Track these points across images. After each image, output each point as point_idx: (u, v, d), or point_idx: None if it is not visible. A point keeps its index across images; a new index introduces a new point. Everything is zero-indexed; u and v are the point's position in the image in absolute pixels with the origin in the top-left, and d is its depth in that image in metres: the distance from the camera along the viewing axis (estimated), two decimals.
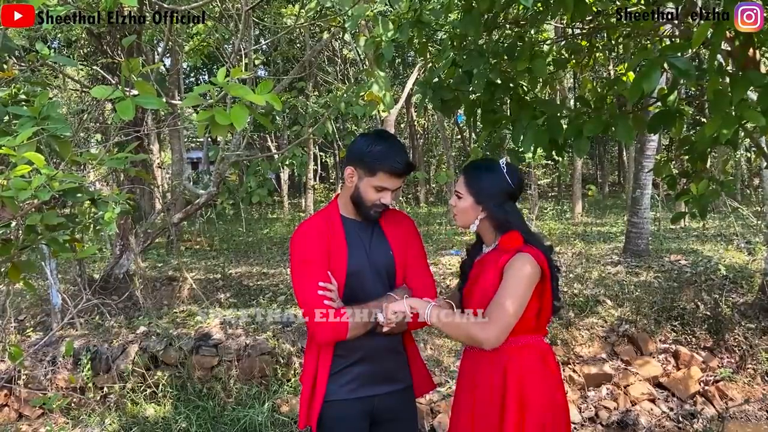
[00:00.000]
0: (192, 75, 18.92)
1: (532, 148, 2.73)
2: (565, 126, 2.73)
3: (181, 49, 9.49)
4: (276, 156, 9.65)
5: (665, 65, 2.15)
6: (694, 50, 2.63)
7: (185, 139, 15.70)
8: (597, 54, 3.20)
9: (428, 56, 3.51)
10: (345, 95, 7.88)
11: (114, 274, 6.25)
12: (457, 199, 2.09)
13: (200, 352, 5.23)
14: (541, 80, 2.92)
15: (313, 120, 9.47)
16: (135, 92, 1.97)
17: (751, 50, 2.38)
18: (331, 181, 22.52)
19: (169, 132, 11.00)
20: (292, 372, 5.23)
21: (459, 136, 21.46)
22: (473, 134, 20.13)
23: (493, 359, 2.00)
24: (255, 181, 9.09)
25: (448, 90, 3.01)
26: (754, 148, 8.40)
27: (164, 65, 12.03)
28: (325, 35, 6.88)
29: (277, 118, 10.53)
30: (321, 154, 16.37)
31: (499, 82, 2.85)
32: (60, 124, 1.98)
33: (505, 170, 2.04)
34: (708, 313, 5.91)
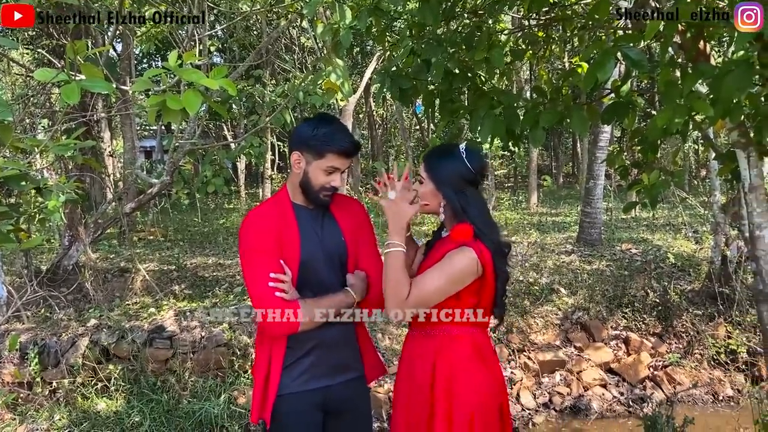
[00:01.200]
0: (145, 61, 18.42)
1: (489, 138, 2.74)
2: (521, 116, 2.75)
3: (133, 34, 9.22)
4: (233, 145, 9.49)
5: (618, 55, 2.18)
6: (646, 43, 2.68)
7: (138, 127, 15.28)
8: (553, 46, 3.22)
9: (386, 45, 3.49)
10: (303, 84, 7.79)
11: (63, 265, 6.05)
12: (420, 184, 2.06)
13: (154, 344, 5.12)
14: (498, 70, 2.93)
15: (270, 109, 9.34)
16: (81, 76, 1.90)
17: (701, 43, 2.44)
18: (288, 171, 22.26)
19: (120, 119, 10.69)
20: (249, 363, 5.17)
21: (417, 127, 21.52)
22: (431, 125, 20.20)
23: (425, 348, 2.01)
24: (211, 170, 8.93)
25: (406, 79, 2.99)
26: (701, 141, 8.67)
27: (115, 51, 11.67)
28: (283, 22, 6.78)
29: (234, 106, 10.35)
30: (279, 143, 16.17)
31: (457, 71, 2.85)
32: (0, 108, 1.89)
33: (464, 154, 2.00)
34: (657, 301, 6.09)
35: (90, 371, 4.89)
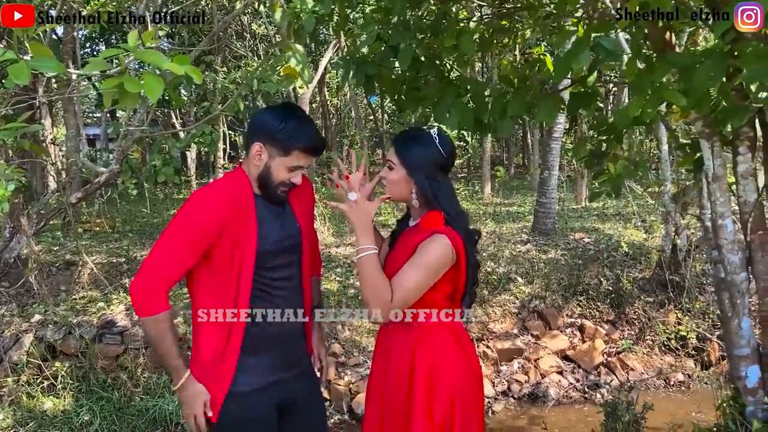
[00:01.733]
0: (87, 45, 17.66)
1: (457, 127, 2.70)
2: (489, 106, 2.72)
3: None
4: (182, 134, 9.21)
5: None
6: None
7: (81, 114, 14.64)
8: (519, 34, 3.20)
9: (345, 32, 3.41)
10: (258, 71, 7.59)
11: (3, 258, 5.74)
12: (389, 170, 1.99)
13: (104, 340, 4.93)
14: (467, 57, 2.89)
15: (222, 96, 9.09)
16: (27, 56, 1.76)
17: (668, 34, 2.45)
18: (240, 160, 21.71)
19: (63, 105, 10.21)
20: None
21: (372, 117, 21.44)
22: (385, 115, 20.12)
23: (405, 338, 1.97)
24: (160, 159, 8.63)
25: (371, 66, 2.92)
26: (651, 135, 8.86)
27: (56, 34, 11.13)
28: (238, 5, 6.55)
29: (183, 92, 10.03)
30: (230, 132, 15.81)
31: (423, 58, 2.80)
32: None
33: (437, 140, 1.96)
34: (610, 288, 6.22)
35: (35, 369, 4.67)
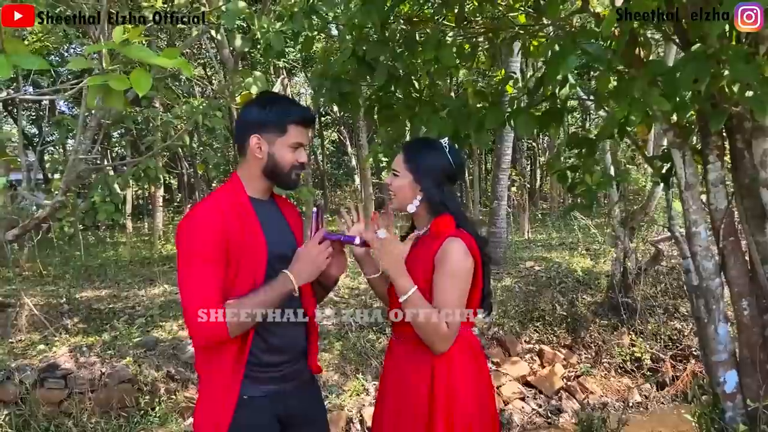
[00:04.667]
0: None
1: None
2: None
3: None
4: (126, 168, 8.88)
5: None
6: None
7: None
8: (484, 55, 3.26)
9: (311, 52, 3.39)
10: (201, 106, 7.46)
11: None
12: (394, 177, 1.96)
13: (45, 384, 4.58)
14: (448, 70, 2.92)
15: (165, 131, 8.85)
16: None
17: (636, 49, 2.54)
18: (175, 203, 20.98)
19: None
20: (157, 400, 4.75)
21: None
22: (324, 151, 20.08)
23: (421, 353, 1.88)
24: (100, 195, 8.26)
25: (346, 82, 2.90)
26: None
27: None
28: (194, 32, 6.42)
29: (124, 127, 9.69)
30: (165, 175, 15.24)
31: (400, 74, 2.80)
32: None
33: (447, 149, 1.95)
34: (565, 314, 6.30)
35: None
